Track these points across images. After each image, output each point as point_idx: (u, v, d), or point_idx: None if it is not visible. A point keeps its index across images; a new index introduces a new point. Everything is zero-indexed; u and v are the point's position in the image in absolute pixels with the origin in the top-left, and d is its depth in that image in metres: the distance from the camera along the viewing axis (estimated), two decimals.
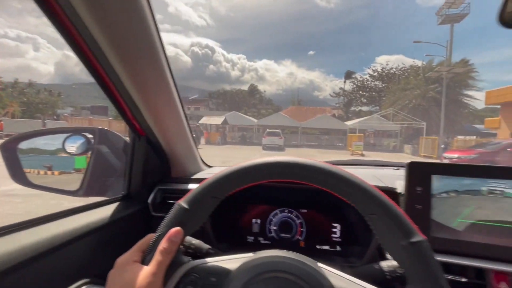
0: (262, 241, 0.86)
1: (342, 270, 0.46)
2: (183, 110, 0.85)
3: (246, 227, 0.88)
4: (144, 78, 0.65)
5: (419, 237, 0.41)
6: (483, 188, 0.60)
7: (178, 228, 0.44)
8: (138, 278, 0.40)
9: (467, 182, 0.61)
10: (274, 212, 0.86)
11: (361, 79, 36.49)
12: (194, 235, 0.56)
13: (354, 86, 36.79)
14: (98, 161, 0.87)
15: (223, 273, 0.44)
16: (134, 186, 0.85)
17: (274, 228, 0.85)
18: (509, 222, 0.58)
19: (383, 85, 32.80)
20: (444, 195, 0.62)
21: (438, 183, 0.63)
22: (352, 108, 37.10)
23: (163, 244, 0.42)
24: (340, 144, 23.17)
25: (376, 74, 34.76)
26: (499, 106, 26.25)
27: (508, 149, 9.56)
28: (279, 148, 17.57)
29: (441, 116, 17.62)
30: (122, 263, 0.43)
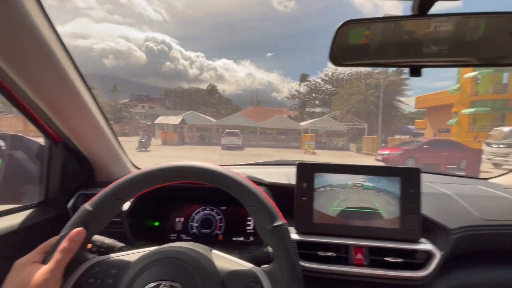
0: (184, 238, 0.92)
1: (240, 255, 0.56)
2: (102, 114, 0.86)
3: (170, 226, 0.93)
4: (44, 87, 0.64)
5: (280, 221, 0.50)
6: (349, 182, 0.76)
7: (80, 228, 0.48)
8: (34, 276, 0.41)
9: (339, 178, 0.76)
10: (197, 210, 0.93)
11: (314, 82, 39.02)
12: (120, 235, 0.63)
13: (308, 89, 39.15)
14: (10, 167, 0.84)
15: (123, 264, 0.49)
16: (53, 192, 0.84)
17: (196, 225, 0.92)
18: (366, 208, 0.74)
19: (333, 88, 35.55)
20: (323, 189, 0.76)
21: (319, 179, 0.76)
22: (307, 110, 39.27)
23: (63, 244, 0.45)
24: (296, 144, 24.32)
25: (327, 78, 37.51)
26: (425, 110, 30.56)
27: (424, 146, 11.34)
28: (239, 148, 17.71)
29: (379, 118, 19.96)
30: (20, 265, 0.44)
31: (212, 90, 54.29)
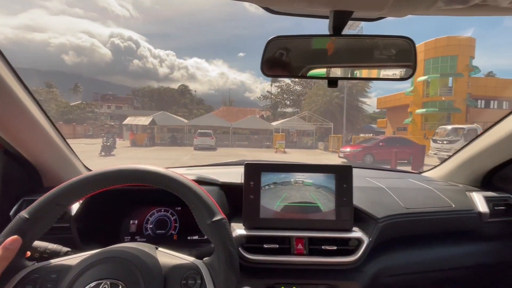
0: (139, 240, 0.92)
1: (190, 252, 0.58)
2: (46, 116, 0.83)
3: (125, 229, 0.92)
4: None
5: (218, 216, 0.54)
6: (291, 180, 0.82)
7: (15, 236, 0.47)
8: None
9: (282, 176, 0.83)
10: (152, 212, 0.93)
11: (285, 83, 40.03)
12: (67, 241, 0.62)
13: (280, 89, 40.01)
14: None
15: (64, 269, 0.49)
16: None
17: (151, 226, 0.92)
18: (306, 202, 0.81)
19: (303, 89, 36.80)
20: (268, 186, 0.82)
21: (265, 178, 0.82)
22: (279, 110, 40.09)
23: None
24: (268, 143, 24.68)
25: (296, 79, 38.76)
26: (385, 110, 32.87)
27: (380, 144, 12.48)
28: (211, 148, 17.53)
29: (344, 118, 21.16)
30: None
31: (184, 89, 52.66)
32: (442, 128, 13.83)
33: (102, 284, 0.46)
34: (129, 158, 11.80)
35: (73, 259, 0.52)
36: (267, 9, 0.55)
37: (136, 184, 0.56)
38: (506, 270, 0.96)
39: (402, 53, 0.60)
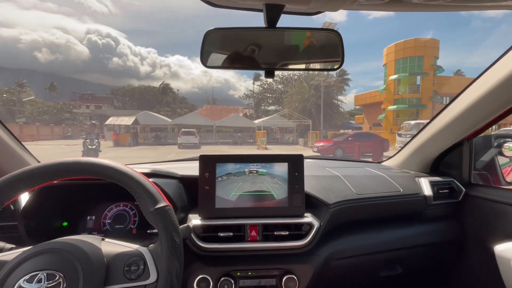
0: (96, 236, 0.89)
1: (142, 243, 0.59)
2: None
3: (81, 225, 0.89)
4: None
5: (161, 204, 0.55)
6: (246, 170, 0.83)
7: None
8: None
9: (237, 166, 0.82)
10: (110, 207, 0.91)
11: (267, 82, 40.90)
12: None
13: (262, 88, 40.75)
14: None
15: (0, 264, 0.48)
16: None
17: (109, 221, 0.90)
18: (261, 191, 0.82)
19: (284, 88, 37.83)
20: (224, 177, 0.82)
21: (220, 169, 0.82)
22: (262, 108, 40.85)
23: None
24: (251, 140, 25.24)
25: (278, 78, 39.81)
26: (362, 107, 34.67)
27: (349, 138, 13.60)
28: (195, 146, 17.63)
29: (321, 115, 22.30)
30: None
31: (166, 88, 51.27)
32: (406, 123, 15.12)
33: (38, 275, 0.45)
34: (115, 157, 11.96)
35: (11, 254, 0.50)
36: (207, 2, 0.55)
37: (79, 177, 0.55)
38: (448, 247, 1.03)
39: (331, 46, 0.63)
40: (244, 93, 43.77)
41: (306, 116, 25.92)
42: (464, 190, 1.04)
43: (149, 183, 0.57)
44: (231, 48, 0.63)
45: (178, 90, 56.77)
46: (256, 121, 27.84)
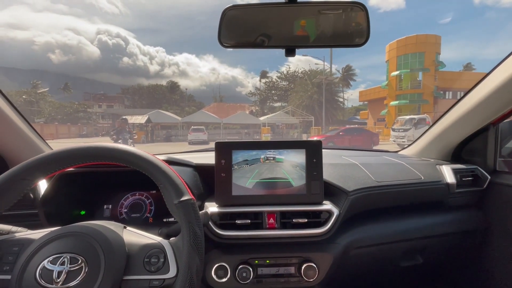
0: (119, 223, 0.86)
1: (160, 232, 0.59)
2: (6, 100, 0.80)
3: (99, 214, 0.89)
4: None
5: (186, 197, 0.53)
6: (262, 156, 0.81)
7: None
8: None
9: (253, 153, 0.81)
10: (126, 196, 0.91)
11: (272, 80, 41.75)
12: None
13: (266, 86, 41.25)
14: None
15: (26, 242, 0.49)
16: None
17: (125, 210, 0.90)
18: (278, 178, 0.80)
19: (289, 85, 38.30)
20: (240, 164, 0.80)
21: (236, 156, 0.80)
22: (268, 104, 41.47)
23: None
24: (257, 137, 26.03)
25: (282, 75, 40.26)
26: (367, 103, 35.34)
27: (340, 133, 14.44)
28: (204, 142, 18.32)
29: (323, 112, 22.75)
30: None
31: (174, 86, 52.04)
32: (401, 118, 15.43)
33: (62, 257, 0.45)
34: None
35: (37, 234, 0.51)
36: None
37: (104, 163, 0.55)
38: (471, 237, 0.99)
39: (355, 20, 0.60)
40: (250, 91, 44.94)
41: (309, 113, 26.35)
42: (489, 177, 0.99)
43: (175, 174, 0.55)
44: (249, 26, 0.61)
45: (186, 89, 57.77)
46: (262, 118, 28.43)
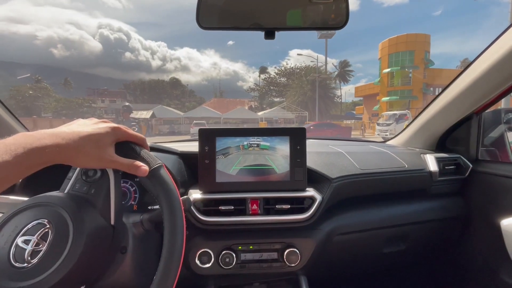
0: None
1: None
2: None
3: None
4: None
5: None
6: (246, 143, 0.80)
7: None
8: None
9: (237, 140, 0.79)
10: None
11: (271, 76, 42.90)
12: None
13: (266, 82, 42.46)
14: None
15: None
16: None
17: None
18: (261, 165, 0.79)
19: (287, 80, 39.22)
20: (224, 151, 0.79)
21: (219, 143, 0.79)
22: (268, 99, 42.19)
23: None
24: None
25: (280, 72, 41.24)
26: (362, 98, 36.80)
27: (311, 127, 15.57)
28: None
29: (316, 107, 23.86)
30: None
31: (175, 82, 52.76)
32: (385, 113, 16.43)
33: (30, 224, 0.44)
34: None
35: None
36: None
37: None
38: (453, 224, 1.01)
39: (336, 3, 0.58)
40: (250, 86, 46.09)
41: (304, 108, 27.29)
42: (471, 166, 1.00)
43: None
44: (229, 7, 0.58)
45: (187, 84, 58.30)
46: (260, 113, 29.36)
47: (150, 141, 0.72)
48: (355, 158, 0.95)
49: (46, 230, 0.43)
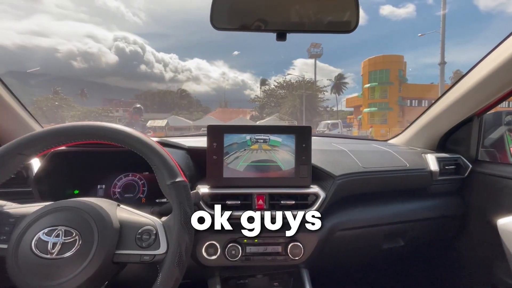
0: (112, 201, 0.79)
1: (152, 211, 0.62)
2: None
3: (92, 193, 0.89)
4: None
5: (178, 178, 0.53)
6: (253, 140, 0.81)
7: None
8: None
9: (243, 136, 0.81)
10: (119, 177, 0.91)
11: (270, 88, 46.25)
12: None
13: (265, 94, 46.26)
14: None
15: (22, 214, 0.50)
16: None
17: (118, 190, 0.90)
18: (267, 161, 0.80)
19: (284, 93, 42.21)
20: (231, 147, 0.80)
21: (227, 139, 0.80)
22: (266, 110, 45.51)
23: None
24: None
25: (279, 84, 45.02)
26: (353, 109, 41.02)
27: None
28: None
29: (303, 118, 28.08)
30: None
31: (183, 93, 55.23)
32: (323, 122, 19.64)
33: (57, 230, 0.46)
34: None
35: (32, 207, 0.52)
36: None
37: (98, 142, 0.55)
38: (451, 222, 1.04)
39: (346, 5, 0.65)
40: (256, 95, 49.97)
41: (294, 118, 31.75)
42: (470, 166, 1.02)
43: (169, 156, 0.55)
44: (242, 8, 0.63)
45: (195, 97, 60.79)
46: (258, 122, 33.19)
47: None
48: (358, 157, 0.97)
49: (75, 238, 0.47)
